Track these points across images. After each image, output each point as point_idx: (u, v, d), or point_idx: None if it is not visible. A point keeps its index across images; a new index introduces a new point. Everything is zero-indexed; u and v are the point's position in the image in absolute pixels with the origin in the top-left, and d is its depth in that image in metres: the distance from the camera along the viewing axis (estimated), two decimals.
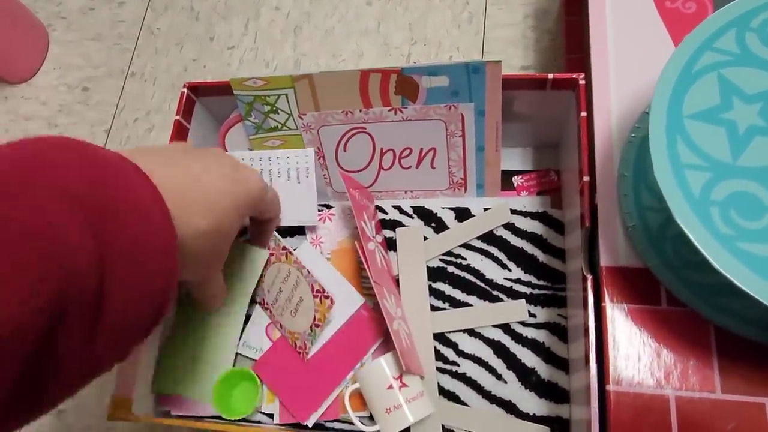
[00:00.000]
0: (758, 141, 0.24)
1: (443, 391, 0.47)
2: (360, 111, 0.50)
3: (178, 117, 0.52)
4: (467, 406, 0.46)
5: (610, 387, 0.35)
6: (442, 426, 0.46)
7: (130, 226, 0.27)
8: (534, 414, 0.45)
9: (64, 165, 0.26)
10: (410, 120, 0.49)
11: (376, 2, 0.73)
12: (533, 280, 0.48)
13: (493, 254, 0.50)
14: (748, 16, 0.27)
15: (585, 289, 0.39)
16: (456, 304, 0.49)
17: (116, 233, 0.26)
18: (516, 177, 0.53)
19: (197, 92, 0.54)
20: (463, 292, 0.50)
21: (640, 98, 0.43)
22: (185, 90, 0.53)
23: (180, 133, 0.53)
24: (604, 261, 0.38)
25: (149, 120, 0.75)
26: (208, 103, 0.56)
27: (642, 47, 0.44)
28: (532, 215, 0.51)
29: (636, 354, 0.36)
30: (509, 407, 0.45)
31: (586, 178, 0.42)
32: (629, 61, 0.44)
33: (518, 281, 0.49)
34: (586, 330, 0.38)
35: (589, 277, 0.39)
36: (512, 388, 0.46)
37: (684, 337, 0.35)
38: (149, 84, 0.78)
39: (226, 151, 0.57)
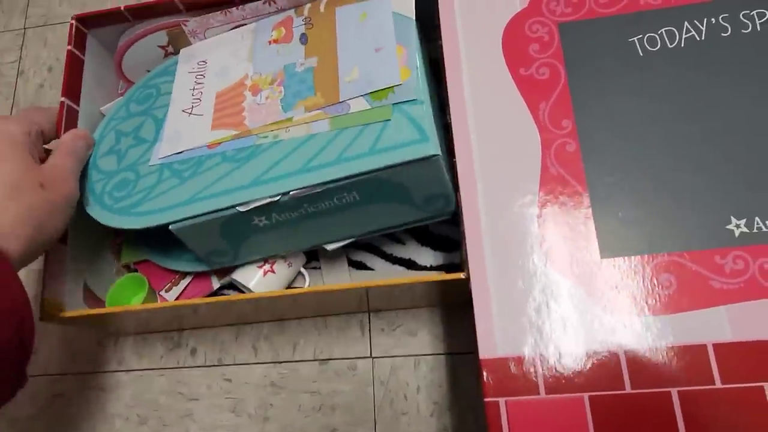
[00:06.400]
0: (129, 153, 0.49)
1: (351, 263, 0.53)
2: (237, 9, 0.52)
3: (70, 47, 0.53)
4: (373, 270, 0.53)
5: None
6: None
7: None
8: (431, 265, 0.52)
9: None
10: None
11: None
12: None
13: None
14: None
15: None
16: None
17: None
18: None
19: (86, 24, 0.53)
20: None
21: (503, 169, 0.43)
22: (74, 22, 0.52)
23: (74, 65, 0.53)
24: None
25: None
26: (100, 34, 0.56)
27: (500, 117, 0.45)
28: None
29: None
30: (410, 264, 0.52)
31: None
32: (489, 133, 0.45)
33: None
34: None
35: None
36: (410, 248, 0.53)
37: None
38: None
39: (125, 79, 0.58)
